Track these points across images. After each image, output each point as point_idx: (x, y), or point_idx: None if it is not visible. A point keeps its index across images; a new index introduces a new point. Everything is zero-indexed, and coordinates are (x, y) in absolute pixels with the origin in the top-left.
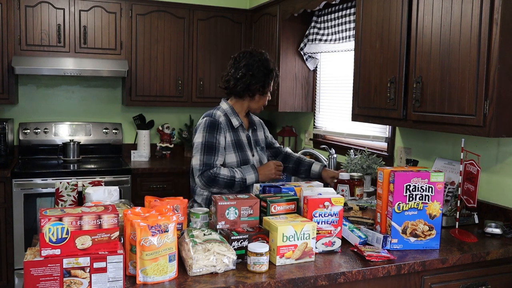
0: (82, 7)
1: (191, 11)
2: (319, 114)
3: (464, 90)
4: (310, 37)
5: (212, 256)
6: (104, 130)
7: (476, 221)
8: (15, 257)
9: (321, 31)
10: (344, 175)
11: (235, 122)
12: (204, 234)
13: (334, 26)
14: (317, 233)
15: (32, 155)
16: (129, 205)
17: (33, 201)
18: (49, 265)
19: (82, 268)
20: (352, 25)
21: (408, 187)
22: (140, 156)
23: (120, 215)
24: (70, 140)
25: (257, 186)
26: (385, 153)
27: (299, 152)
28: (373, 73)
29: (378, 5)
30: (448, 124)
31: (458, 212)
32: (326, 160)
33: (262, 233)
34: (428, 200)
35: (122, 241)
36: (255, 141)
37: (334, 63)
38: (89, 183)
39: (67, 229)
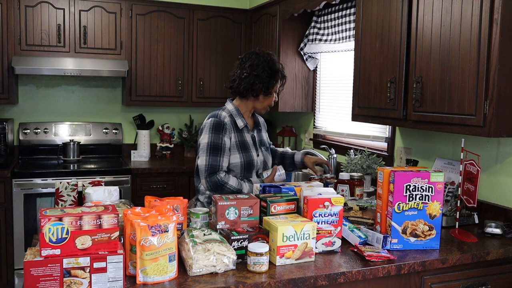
0: (82, 7)
1: (191, 11)
2: (319, 114)
3: (464, 90)
4: (310, 37)
5: (212, 256)
6: (104, 130)
7: (476, 221)
8: (15, 257)
9: (321, 31)
10: (344, 175)
11: (240, 123)
12: (204, 234)
13: (334, 26)
14: (317, 233)
15: (32, 155)
16: (129, 205)
17: (33, 201)
18: (49, 265)
19: (82, 268)
20: (352, 25)
21: (408, 187)
22: (140, 156)
23: (120, 215)
24: (70, 140)
25: (257, 186)
26: (385, 153)
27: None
28: (373, 73)
29: (378, 5)
30: (448, 124)
31: (458, 212)
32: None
33: (262, 233)
34: (428, 200)
35: (122, 241)
36: (260, 141)
37: (334, 63)
38: (89, 183)
39: (67, 229)
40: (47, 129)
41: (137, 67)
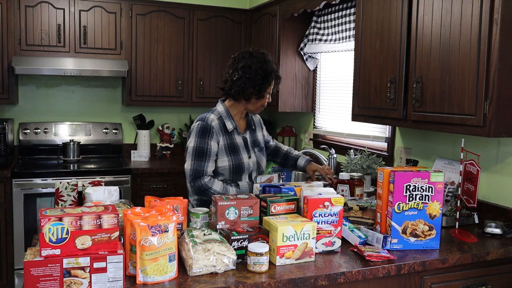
0: (82, 7)
1: (191, 11)
2: (319, 114)
3: (464, 90)
4: (310, 37)
5: (212, 256)
6: (104, 130)
7: (476, 221)
8: (15, 257)
9: (321, 31)
10: (344, 175)
11: (229, 125)
12: (204, 234)
13: (334, 26)
14: (317, 233)
15: (32, 155)
16: (129, 205)
17: (33, 201)
18: (49, 265)
19: (82, 268)
20: (352, 25)
21: (408, 187)
22: (140, 156)
23: (120, 215)
24: (70, 140)
25: (257, 186)
26: (385, 153)
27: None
28: (373, 73)
29: (378, 5)
30: (448, 124)
31: (458, 212)
32: (326, 160)
33: (262, 233)
34: (428, 200)
35: (122, 241)
36: (253, 142)
37: (334, 63)
38: (89, 183)
39: (67, 229)
40: (47, 129)
41: (137, 67)
